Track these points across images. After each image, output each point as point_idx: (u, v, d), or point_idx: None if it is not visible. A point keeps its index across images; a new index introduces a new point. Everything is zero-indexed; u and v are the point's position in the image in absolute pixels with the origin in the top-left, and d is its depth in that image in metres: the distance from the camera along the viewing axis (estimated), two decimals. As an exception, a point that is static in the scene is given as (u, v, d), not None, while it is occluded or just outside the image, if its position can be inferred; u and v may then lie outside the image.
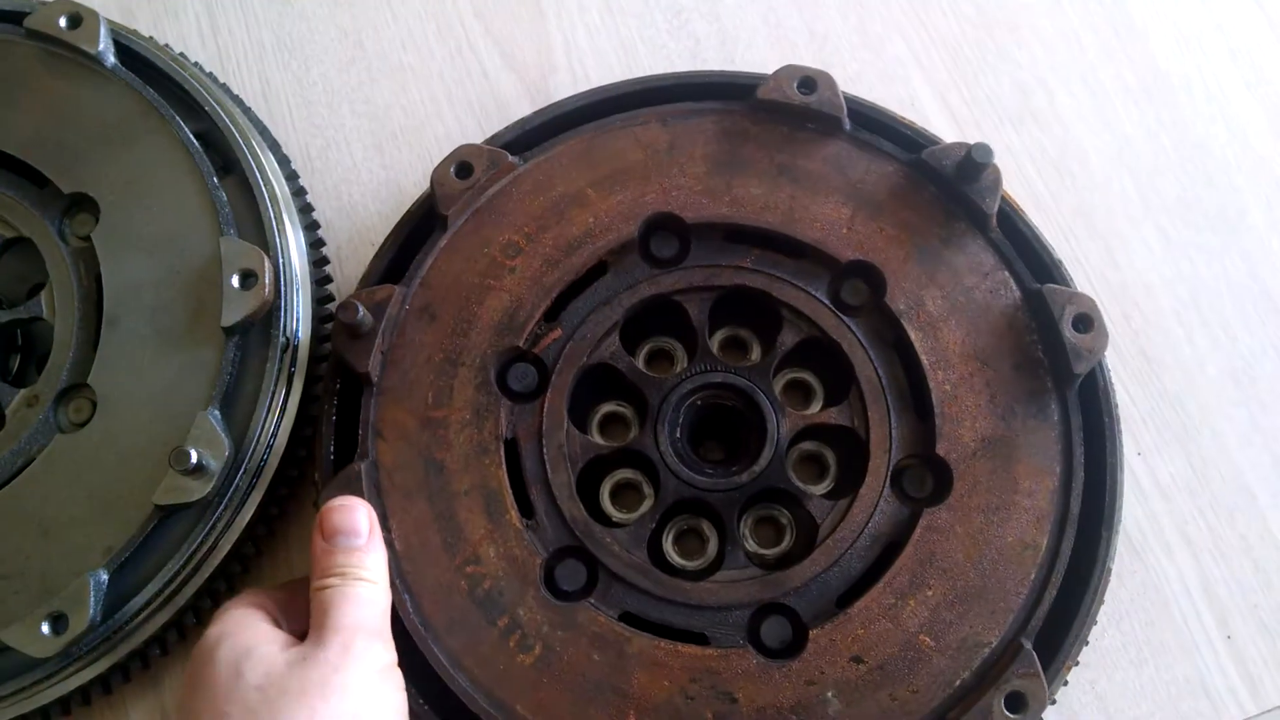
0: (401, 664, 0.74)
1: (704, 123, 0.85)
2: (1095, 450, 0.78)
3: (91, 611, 0.74)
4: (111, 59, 0.87)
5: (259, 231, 0.84)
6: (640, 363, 0.86)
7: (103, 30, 0.86)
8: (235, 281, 0.79)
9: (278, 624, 0.71)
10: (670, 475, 0.80)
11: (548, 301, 0.82)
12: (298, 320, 0.83)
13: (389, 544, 0.76)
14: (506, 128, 0.87)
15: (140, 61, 0.89)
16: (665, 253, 0.85)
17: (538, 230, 0.83)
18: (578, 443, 0.81)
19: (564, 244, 0.83)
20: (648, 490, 0.83)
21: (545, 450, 0.80)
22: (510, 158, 0.84)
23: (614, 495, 0.84)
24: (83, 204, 0.85)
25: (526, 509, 0.79)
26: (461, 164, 0.83)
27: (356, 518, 0.72)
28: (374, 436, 0.79)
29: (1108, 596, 0.78)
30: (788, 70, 0.84)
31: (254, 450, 0.80)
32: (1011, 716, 0.71)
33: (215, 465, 0.76)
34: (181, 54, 0.94)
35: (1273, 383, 0.90)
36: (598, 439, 0.85)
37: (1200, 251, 0.93)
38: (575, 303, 0.83)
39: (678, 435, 0.82)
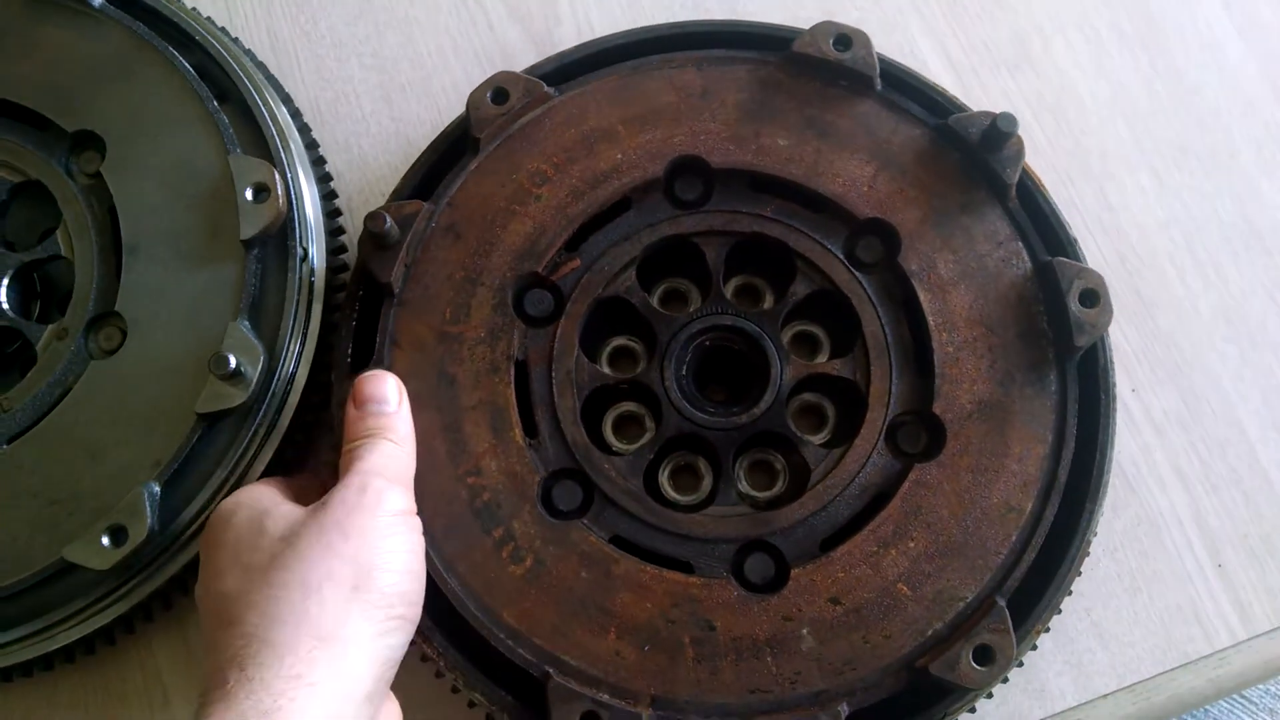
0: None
1: (738, 71, 0.87)
2: (1089, 425, 0.80)
3: (149, 520, 0.76)
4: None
5: (263, 149, 0.86)
6: (655, 300, 0.88)
7: None
8: (249, 195, 0.82)
9: (296, 497, 0.74)
10: (672, 410, 0.82)
11: (570, 231, 0.84)
12: (311, 239, 0.85)
13: (396, 448, 0.79)
14: (547, 59, 0.89)
15: (127, 1, 0.90)
16: (688, 195, 0.87)
17: (566, 161, 0.85)
18: (586, 371, 0.83)
19: (591, 177, 0.85)
20: (649, 424, 0.85)
21: (554, 374, 0.82)
22: (546, 88, 0.86)
23: (616, 426, 0.86)
24: (88, 141, 0.87)
25: (530, 428, 0.81)
26: (498, 90, 0.85)
27: (386, 386, 0.76)
28: (390, 345, 0.81)
29: (1102, 528, 0.81)
30: (824, 26, 0.85)
31: (285, 357, 0.82)
32: (978, 668, 0.73)
33: (251, 371, 0.79)
34: (194, 9, 0.96)
35: (1263, 320, 0.92)
36: (606, 370, 0.87)
37: (1193, 194, 0.96)
38: (596, 235, 0.85)
39: (683, 372, 0.84)
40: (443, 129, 0.89)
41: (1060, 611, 0.79)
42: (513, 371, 0.82)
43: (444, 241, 0.83)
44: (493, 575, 0.77)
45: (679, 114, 0.86)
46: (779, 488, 0.85)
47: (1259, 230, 0.94)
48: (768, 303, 0.89)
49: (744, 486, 0.85)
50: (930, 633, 0.76)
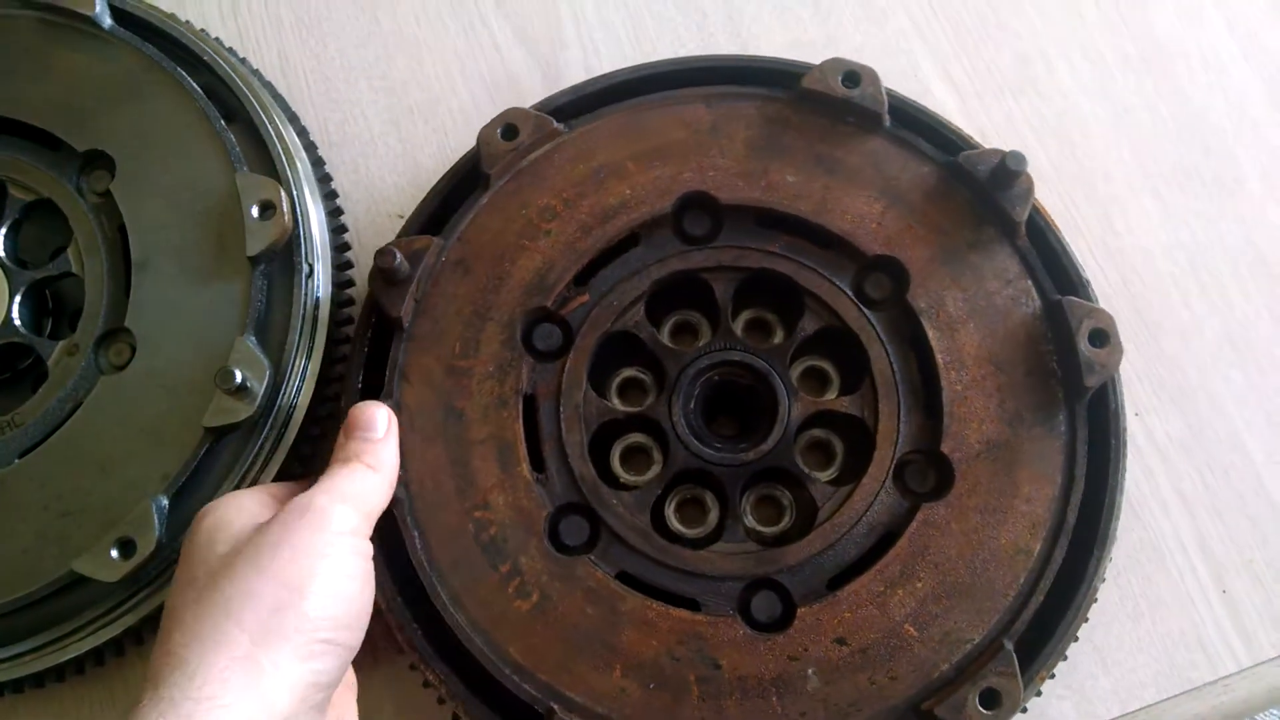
0: (406, 598, 0.77)
1: (747, 107, 0.87)
2: (1098, 467, 0.80)
3: (157, 532, 0.77)
4: (108, 20, 0.90)
5: (269, 167, 0.87)
6: (665, 334, 0.89)
7: None
8: (255, 212, 0.83)
9: (278, 506, 0.73)
10: (680, 445, 0.82)
11: (578, 266, 0.84)
12: (317, 257, 0.86)
13: (404, 484, 0.79)
14: (556, 93, 0.90)
15: (137, 23, 0.92)
16: (697, 230, 0.87)
17: (576, 197, 0.86)
18: (594, 405, 0.84)
19: (600, 212, 0.85)
20: (657, 456, 0.85)
21: (562, 409, 0.82)
22: (555, 124, 0.86)
23: (624, 458, 0.86)
24: (97, 160, 0.88)
25: (538, 463, 0.82)
26: (508, 126, 0.86)
27: (376, 416, 0.77)
28: (400, 379, 0.82)
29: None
30: (833, 63, 0.86)
31: (291, 372, 0.83)
32: (984, 712, 0.73)
33: (257, 386, 0.80)
34: (187, 21, 0.97)
35: (1269, 345, 0.92)
36: (615, 402, 0.87)
37: (1198, 218, 0.95)
38: (605, 270, 0.86)
39: (691, 407, 0.85)
40: (451, 162, 0.90)
41: (1066, 658, 0.78)
42: (521, 406, 0.82)
43: (454, 276, 0.84)
44: (499, 610, 0.77)
45: (688, 150, 0.86)
46: (785, 523, 0.85)
47: (1264, 254, 0.94)
48: (777, 337, 0.89)
49: (750, 522, 0.85)
50: (936, 675, 0.75)
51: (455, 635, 0.77)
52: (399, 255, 0.81)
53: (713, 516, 0.85)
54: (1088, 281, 0.84)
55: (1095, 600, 0.79)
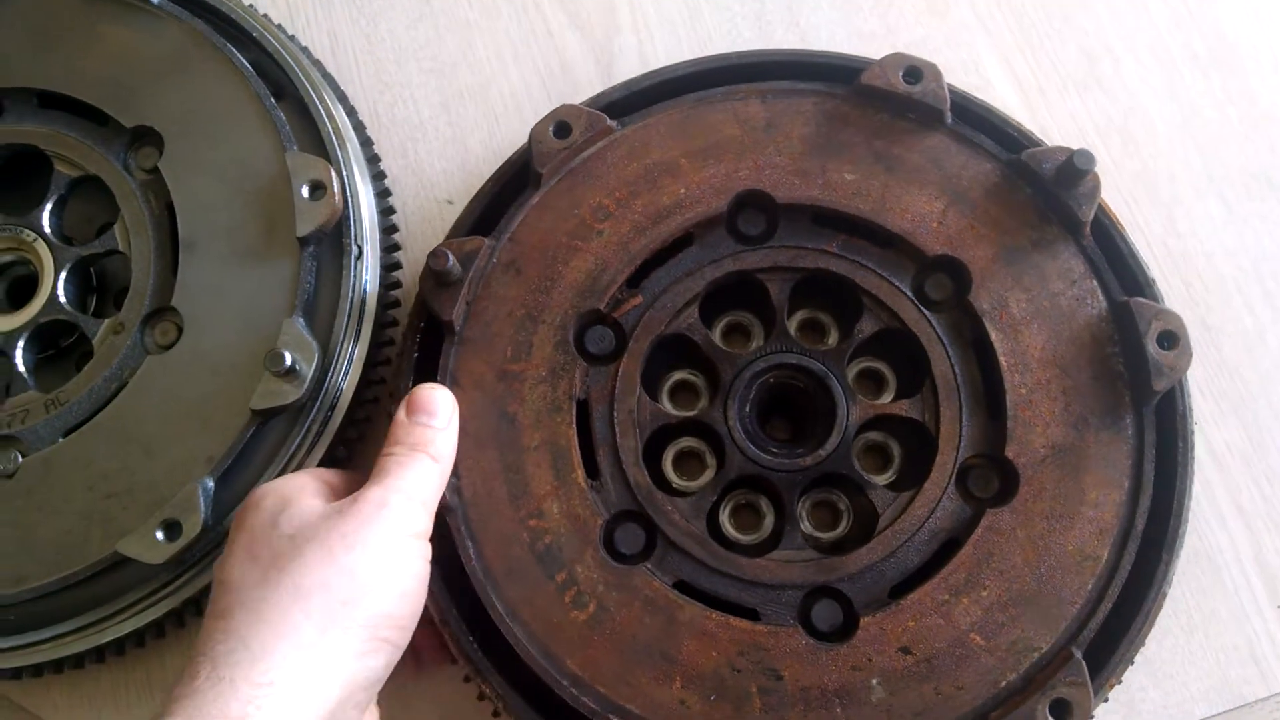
0: (460, 609, 0.76)
1: (804, 103, 0.85)
2: (1166, 471, 0.78)
3: (203, 515, 0.76)
4: None
5: (319, 147, 0.86)
6: (716, 335, 0.87)
7: None
8: (305, 193, 0.82)
9: (333, 493, 0.73)
10: (736, 450, 0.81)
11: (632, 268, 0.82)
12: (366, 239, 0.85)
13: (456, 490, 0.78)
14: (611, 88, 0.87)
15: None
16: (752, 230, 0.85)
17: (629, 196, 0.84)
18: (647, 410, 0.82)
19: (653, 212, 0.83)
20: (710, 460, 0.84)
21: (616, 414, 0.81)
22: (608, 121, 0.84)
23: (676, 462, 0.85)
24: (145, 137, 0.87)
25: (592, 469, 0.80)
26: (560, 124, 0.84)
27: (439, 400, 0.75)
28: (451, 384, 0.80)
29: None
30: (894, 58, 0.83)
31: (339, 354, 0.82)
32: (1054, 724, 0.71)
33: (306, 368, 0.79)
34: (250, 5, 0.96)
35: None
36: (667, 406, 0.85)
37: (1263, 222, 0.93)
38: (658, 271, 0.84)
39: (747, 411, 0.83)
40: (501, 149, 0.89)
41: (1133, 663, 0.77)
42: (574, 411, 0.80)
43: (505, 278, 0.82)
44: (555, 621, 0.76)
45: (743, 147, 0.84)
46: (843, 529, 0.83)
47: None
48: (832, 338, 0.87)
49: (807, 527, 0.83)
50: (1004, 684, 0.74)
51: (512, 647, 0.75)
52: (450, 257, 0.79)
53: (768, 522, 0.83)
54: (1153, 281, 0.82)
55: (1162, 607, 0.77)
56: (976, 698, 0.74)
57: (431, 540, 0.72)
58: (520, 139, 0.86)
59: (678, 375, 0.87)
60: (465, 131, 0.97)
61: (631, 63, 0.95)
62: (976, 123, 0.85)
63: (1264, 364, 0.90)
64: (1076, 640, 0.74)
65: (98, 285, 0.90)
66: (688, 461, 0.85)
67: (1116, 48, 0.98)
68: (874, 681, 0.74)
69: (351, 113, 0.94)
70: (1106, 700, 0.78)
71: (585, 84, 0.89)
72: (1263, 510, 0.86)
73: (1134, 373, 0.78)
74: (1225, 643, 0.84)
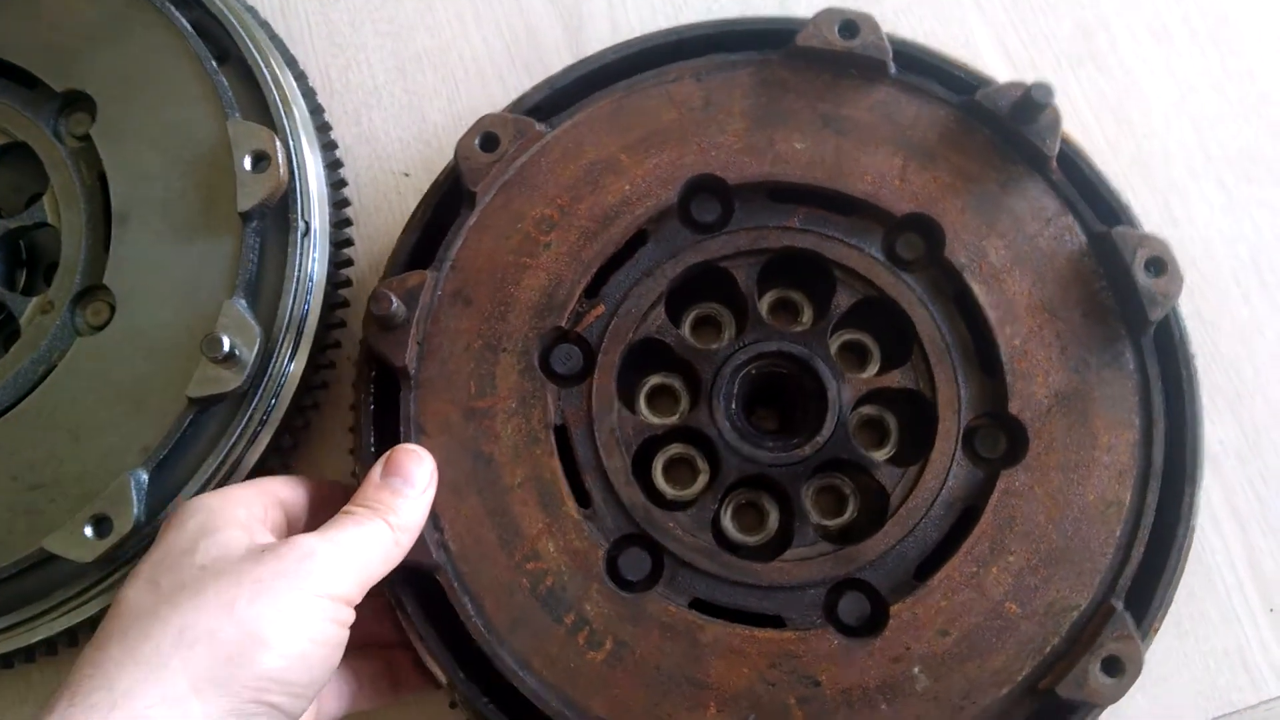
0: (468, 671, 0.70)
1: (739, 75, 0.80)
2: (1173, 401, 0.75)
3: (135, 510, 0.72)
4: None
5: (264, 115, 0.80)
6: (686, 331, 0.82)
7: None
8: (247, 164, 0.76)
9: (283, 510, 0.70)
10: (731, 453, 0.76)
11: (588, 277, 0.77)
12: (314, 214, 0.80)
13: (441, 546, 0.72)
14: (533, 88, 0.81)
15: None
16: (707, 217, 0.80)
17: (571, 201, 0.78)
18: (630, 424, 0.77)
19: (600, 214, 0.78)
20: (701, 465, 0.79)
21: (597, 435, 0.75)
22: (537, 125, 0.78)
23: (666, 471, 0.80)
24: (77, 102, 0.82)
25: (583, 498, 0.75)
26: (486, 135, 0.78)
27: (417, 467, 0.70)
28: (416, 432, 0.74)
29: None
30: (827, 14, 0.79)
31: (284, 339, 0.77)
32: (1108, 681, 0.68)
33: (247, 353, 0.73)
34: None
35: None
36: (647, 415, 0.80)
37: (1262, 208, 0.90)
38: (616, 276, 0.79)
39: (733, 409, 0.78)
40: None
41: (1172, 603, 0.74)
42: (553, 439, 0.75)
43: (454, 310, 0.76)
44: (572, 666, 0.71)
45: (684, 131, 0.79)
46: (851, 513, 0.79)
47: None
48: (807, 316, 0.83)
49: (815, 517, 0.79)
50: (1049, 650, 0.71)
51: (530, 702, 0.70)
52: (394, 299, 0.72)
53: (773, 519, 0.79)
54: (1127, 205, 0.79)
55: (1194, 539, 0.74)
56: (1024, 668, 0.70)
57: (417, 610, 0.67)
58: (483, 107, 0.81)
59: (653, 380, 0.82)
60: (423, 99, 0.92)
61: (602, 26, 0.90)
62: (923, 69, 0.81)
63: (1261, 357, 0.87)
64: (1115, 591, 0.71)
65: (27, 260, 0.85)
66: (678, 469, 0.80)
67: (1113, 22, 0.94)
68: (915, 670, 0.70)
69: (301, 78, 0.87)
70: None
71: (552, 49, 0.83)
72: (1257, 512, 0.84)
73: (1125, 305, 0.76)
74: (1215, 647, 0.81)
